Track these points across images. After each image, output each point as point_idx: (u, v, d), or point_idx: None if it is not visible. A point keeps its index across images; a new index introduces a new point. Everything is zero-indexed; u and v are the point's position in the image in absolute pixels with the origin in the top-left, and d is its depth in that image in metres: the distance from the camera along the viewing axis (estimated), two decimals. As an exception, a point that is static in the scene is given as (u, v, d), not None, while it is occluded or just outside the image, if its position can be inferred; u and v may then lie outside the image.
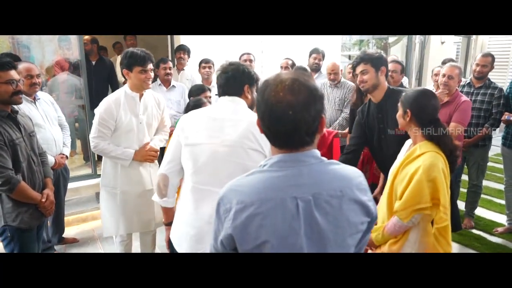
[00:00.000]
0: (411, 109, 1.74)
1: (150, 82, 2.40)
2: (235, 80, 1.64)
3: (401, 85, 3.42)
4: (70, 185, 3.52)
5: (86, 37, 4.67)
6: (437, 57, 6.23)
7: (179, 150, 1.64)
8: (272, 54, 4.73)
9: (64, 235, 3.25)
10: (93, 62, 4.62)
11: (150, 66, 2.36)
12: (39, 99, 2.76)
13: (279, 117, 0.90)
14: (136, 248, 2.84)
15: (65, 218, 3.26)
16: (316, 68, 4.15)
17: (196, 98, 2.59)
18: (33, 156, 2.11)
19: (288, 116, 0.89)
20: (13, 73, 1.97)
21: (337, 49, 5.74)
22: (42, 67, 4.20)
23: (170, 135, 2.47)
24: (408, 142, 1.90)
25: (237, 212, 0.92)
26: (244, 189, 0.95)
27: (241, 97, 1.66)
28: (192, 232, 1.60)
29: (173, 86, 3.79)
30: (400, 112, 1.82)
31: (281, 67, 4.01)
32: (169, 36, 4.63)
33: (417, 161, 1.67)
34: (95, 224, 3.55)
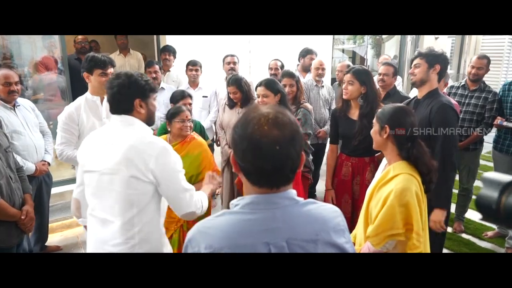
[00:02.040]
0: (389, 125, 1.65)
1: None
2: (122, 95, 1.52)
3: (394, 87, 3.34)
4: (55, 190, 3.45)
5: (80, 37, 4.54)
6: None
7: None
8: (260, 54, 4.64)
9: (47, 243, 3.18)
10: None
11: (111, 70, 2.39)
12: (18, 105, 2.73)
13: (265, 153, 0.83)
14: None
15: (49, 225, 3.18)
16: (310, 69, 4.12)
17: (175, 106, 2.55)
18: (10, 173, 2.04)
19: (275, 152, 0.83)
20: None
21: (329, 44, 5.65)
22: (31, 63, 4.10)
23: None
24: (384, 162, 1.81)
25: None
26: (213, 231, 0.88)
27: (132, 114, 1.55)
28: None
29: (162, 88, 3.70)
30: (376, 128, 1.71)
31: (270, 68, 3.94)
32: (155, 36, 4.51)
33: (391, 184, 1.58)
34: (79, 230, 3.48)
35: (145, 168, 1.47)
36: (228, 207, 3.15)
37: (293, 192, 0.92)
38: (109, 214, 1.52)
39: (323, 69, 3.83)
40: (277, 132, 0.83)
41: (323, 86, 3.90)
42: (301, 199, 0.93)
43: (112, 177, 1.49)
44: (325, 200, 2.77)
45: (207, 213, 2.49)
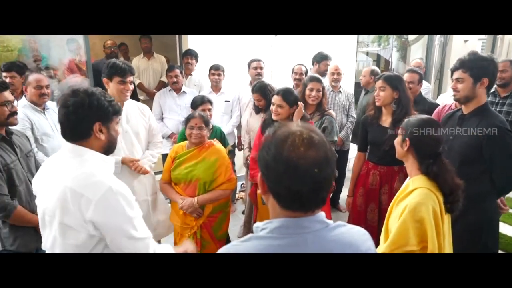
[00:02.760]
0: (410, 138, 1.59)
1: (128, 94, 2.42)
2: (79, 117, 1.25)
3: (420, 94, 3.23)
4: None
5: (109, 42, 4.63)
6: (460, 56, 5.91)
7: None
8: (282, 58, 4.58)
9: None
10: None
11: (130, 78, 2.39)
12: (48, 109, 2.81)
13: (304, 177, 0.80)
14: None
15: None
16: (325, 74, 4.05)
17: (190, 113, 2.54)
18: (30, 177, 2.06)
19: (314, 175, 0.80)
20: (7, 94, 1.92)
21: (353, 47, 5.53)
22: (61, 65, 4.19)
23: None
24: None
25: None
26: None
27: (88, 140, 1.29)
28: None
29: (184, 92, 3.73)
30: (398, 139, 1.67)
31: (295, 72, 3.87)
32: (177, 38, 4.53)
33: (408, 199, 1.51)
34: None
35: (82, 218, 1.20)
36: (250, 214, 3.12)
37: (322, 214, 0.89)
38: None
39: (338, 73, 3.77)
40: (314, 153, 0.80)
41: (340, 92, 3.83)
42: (331, 221, 0.90)
43: (51, 219, 1.27)
44: (346, 205, 2.80)
45: (226, 218, 2.50)
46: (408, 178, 1.69)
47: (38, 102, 2.68)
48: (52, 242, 1.30)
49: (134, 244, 1.28)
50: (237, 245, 0.88)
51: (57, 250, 1.29)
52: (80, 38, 3.99)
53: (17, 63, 3.19)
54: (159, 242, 2.81)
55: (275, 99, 2.50)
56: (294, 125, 0.86)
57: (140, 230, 1.30)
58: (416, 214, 1.43)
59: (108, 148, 1.37)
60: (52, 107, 2.90)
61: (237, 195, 4.35)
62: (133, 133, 2.50)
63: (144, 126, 2.59)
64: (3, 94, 1.89)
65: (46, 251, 1.38)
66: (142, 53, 4.96)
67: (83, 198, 1.19)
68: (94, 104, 1.27)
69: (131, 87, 2.42)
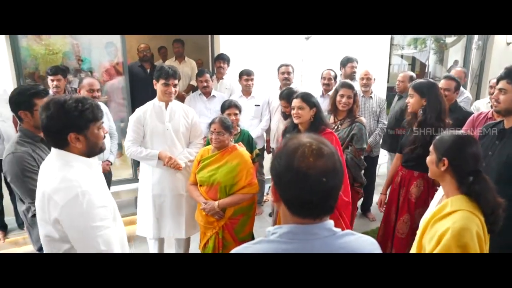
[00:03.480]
0: (448, 157, 1.51)
1: (171, 96, 2.62)
2: (52, 129, 1.32)
3: (456, 102, 3.12)
4: (112, 189, 3.68)
5: (142, 45, 4.82)
6: (501, 60, 5.63)
7: None
8: (312, 63, 4.56)
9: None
10: (148, 70, 4.74)
11: (174, 82, 2.58)
12: None
13: (312, 186, 0.84)
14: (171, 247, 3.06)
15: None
16: (354, 77, 4.03)
17: (213, 118, 2.59)
18: None
19: (322, 184, 0.84)
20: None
21: (386, 50, 5.42)
22: (100, 68, 4.43)
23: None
24: (441, 192, 1.68)
25: None
26: None
27: (68, 148, 1.34)
28: None
29: (213, 96, 3.80)
30: (432, 157, 1.59)
31: (323, 77, 3.86)
32: (209, 41, 4.62)
33: (447, 220, 1.44)
34: (132, 229, 3.67)
35: (50, 222, 1.27)
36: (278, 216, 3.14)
37: (331, 223, 0.92)
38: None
39: (368, 78, 3.71)
40: (323, 164, 0.84)
41: (371, 97, 3.76)
42: (338, 230, 0.93)
43: (38, 218, 1.37)
44: (378, 203, 2.88)
45: (248, 221, 2.56)
46: (443, 196, 1.63)
47: None
48: (41, 237, 1.39)
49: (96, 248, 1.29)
50: (248, 247, 0.93)
51: (46, 246, 1.38)
52: (118, 41, 4.16)
53: (61, 67, 3.39)
54: (188, 240, 2.96)
55: (295, 102, 2.53)
56: (304, 137, 0.90)
57: (107, 242, 1.31)
58: (460, 240, 1.37)
59: (90, 152, 1.39)
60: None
61: (264, 197, 4.39)
62: (173, 131, 2.68)
63: (185, 126, 2.76)
64: (43, 100, 2.01)
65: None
66: (174, 57, 5.14)
67: (52, 200, 1.26)
68: (63, 117, 1.29)
69: (174, 90, 2.60)
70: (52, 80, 3.22)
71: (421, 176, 2.50)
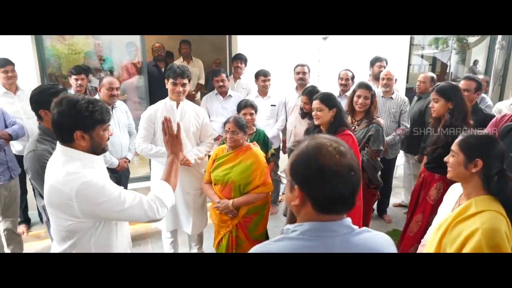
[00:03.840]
0: (482, 158, 1.48)
1: (180, 95, 2.64)
2: (61, 125, 1.40)
3: (476, 103, 3.06)
4: (129, 186, 3.75)
5: (157, 45, 4.90)
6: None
7: None
8: (329, 63, 4.53)
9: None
10: (163, 69, 4.83)
11: (182, 81, 2.59)
12: (116, 107, 3.13)
13: (344, 181, 0.89)
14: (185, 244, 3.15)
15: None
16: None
17: (228, 118, 2.62)
18: None
19: (351, 178, 0.89)
20: None
21: (405, 50, 5.34)
22: (120, 67, 4.51)
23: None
24: (456, 193, 1.66)
25: None
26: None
27: (73, 145, 1.42)
28: None
29: (230, 95, 3.83)
30: (459, 159, 1.55)
31: (340, 78, 3.84)
32: (227, 41, 4.66)
33: (473, 221, 1.42)
34: (148, 226, 3.74)
35: (71, 210, 1.36)
36: (292, 217, 3.15)
37: (349, 220, 0.95)
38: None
39: (388, 79, 3.63)
40: (346, 160, 0.89)
41: (391, 98, 3.67)
42: (356, 227, 0.96)
43: (48, 209, 1.47)
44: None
45: (262, 220, 2.57)
46: (461, 197, 1.62)
47: (109, 102, 2.98)
48: (53, 230, 1.49)
49: (130, 211, 1.42)
50: (269, 244, 0.95)
51: (56, 235, 1.48)
52: (137, 41, 4.25)
53: (83, 66, 3.49)
54: (201, 235, 3.03)
55: (314, 103, 2.54)
56: (321, 138, 0.94)
57: (126, 199, 1.42)
58: (491, 240, 1.36)
59: (92, 151, 1.46)
60: (120, 106, 3.23)
61: (279, 197, 4.39)
62: (183, 130, 2.68)
63: (196, 126, 2.78)
64: None
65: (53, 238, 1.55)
66: (182, 58, 5.31)
67: (64, 194, 1.34)
68: (73, 115, 1.37)
69: (182, 89, 2.61)
70: (76, 79, 3.32)
71: (441, 179, 2.48)
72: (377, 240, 0.97)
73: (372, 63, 4.10)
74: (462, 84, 2.98)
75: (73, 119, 1.37)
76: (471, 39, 6.94)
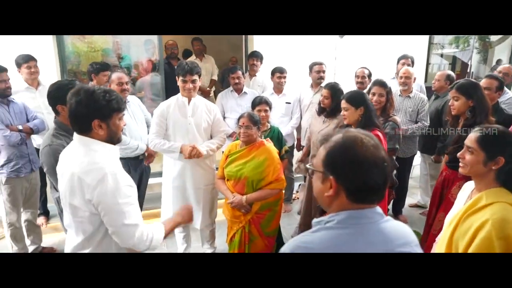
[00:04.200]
0: (505, 156, 1.46)
1: (190, 92, 2.66)
2: (79, 114, 1.42)
3: (497, 103, 2.97)
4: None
5: (170, 42, 4.96)
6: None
7: None
8: (346, 61, 4.50)
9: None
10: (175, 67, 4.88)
11: (192, 77, 2.61)
12: (128, 101, 3.16)
13: (379, 171, 0.93)
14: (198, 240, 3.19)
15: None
16: None
17: (242, 113, 2.64)
18: None
19: (385, 168, 0.94)
20: None
21: (424, 48, 5.24)
22: (138, 64, 4.59)
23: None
24: (468, 188, 1.64)
25: None
26: (317, 246, 0.93)
27: (91, 134, 1.45)
28: None
29: (245, 92, 3.85)
30: (479, 158, 1.52)
31: (357, 76, 3.80)
32: (243, 39, 4.67)
33: (483, 213, 1.41)
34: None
35: (83, 199, 1.39)
36: (306, 215, 3.14)
37: (379, 207, 0.99)
38: (71, 230, 1.55)
39: (406, 77, 3.56)
40: (378, 152, 0.94)
41: (409, 97, 3.59)
42: (383, 214, 1.00)
43: (65, 201, 1.49)
44: None
45: (275, 216, 2.56)
46: (473, 191, 1.60)
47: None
48: (68, 220, 1.52)
49: (126, 228, 1.42)
50: (308, 235, 0.97)
51: (72, 227, 1.50)
52: (155, 39, 4.31)
53: (107, 63, 3.55)
54: (213, 230, 3.04)
55: (342, 104, 2.54)
56: (354, 131, 0.99)
57: (133, 216, 1.44)
58: (502, 231, 1.35)
59: (110, 140, 1.49)
60: (132, 100, 3.27)
61: (294, 195, 4.38)
62: (195, 125, 2.74)
63: (207, 122, 2.80)
64: None
65: (67, 228, 1.58)
66: (194, 55, 5.39)
67: (84, 182, 1.37)
68: (91, 103, 1.40)
69: (192, 85, 2.64)
70: (104, 76, 3.38)
71: (464, 177, 2.39)
72: (402, 226, 1.02)
73: (398, 60, 4.06)
74: (483, 82, 2.91)
75: (91, 108, 1.41)
76: (494, 37, 6.76)
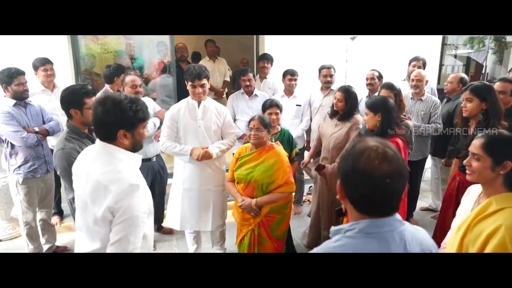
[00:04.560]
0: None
1: (200, 96, 2.69)
2: (105, 124, 1.42)
3: (511, 107, 2.92)
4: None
5: (180, 45, 5.01)
6: None
7: None
8: (357, 64, 4.47)
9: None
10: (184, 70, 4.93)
11: (200, 82, 2.63)
12: None
13: (377, 186, 0.91)
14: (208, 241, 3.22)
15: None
16: None
17: (253, 116, 2.65)
18: None
19: (386, 185, 0.91)
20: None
21: (437, 50, 5.18)
22: (150, 66, 4.65)
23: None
24: (474, 191, 1.62)
25: None
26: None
27: (115, 143, 1.45)
28: None
29: (255, 95, 3.86)
30: (486, 163, 1.51)
31: (367, 78, 3.78)
32: (254, 40, 4.68)
33: (495, 219, 1.39)
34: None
35: (105, 206, 1.38)
36: (317, 217, 3.12)
37: (398, 215, 0.99)
38: (84, 235, 1.54)
39: (418, 80, 3.52)
40: (388, 167, 0.91)
41: (421, 100, 3.56)
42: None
43: (85, 206, 1.47)
44: None
45: (284, 219, 2.57)
46: (480, 196, 1.59)
47: None
48: (81, 224, 1.52)
49: (127, 244, 1.39)
50: (329, 245, 0.98)
51: (87, 232, 1.49)
52: (167, 40, 4.36)
53: (122, 66, 3.61)
54: (223, 232, 3.06)
55: (365, 109, 2.55)
56: (371, 141, 0.97)
57: (138, 239, 1.42)
58: None
59: (133, 149, 1.50)
60: (146, 101, 3.25)
61: (304, 197, 4.38)
62: (205, 128, 2.77)
63: (217, 124, 2.82)
64: (92, 99, 2.18)
65: (77, 230, 1.59)
66: (207, 57, 5.45)
67: (107, 188, 1.37)
68: (118, 114, 1.40)
69: (202, 90, 2.66)
70: (119, 79, 3.42)
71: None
72: (420, 232, 1.04)
73: (410, 62, 4.03)
74: (497, 85, 2.85)
75: (118, 118, 1.41)
76: (510, 37, 6.63)
